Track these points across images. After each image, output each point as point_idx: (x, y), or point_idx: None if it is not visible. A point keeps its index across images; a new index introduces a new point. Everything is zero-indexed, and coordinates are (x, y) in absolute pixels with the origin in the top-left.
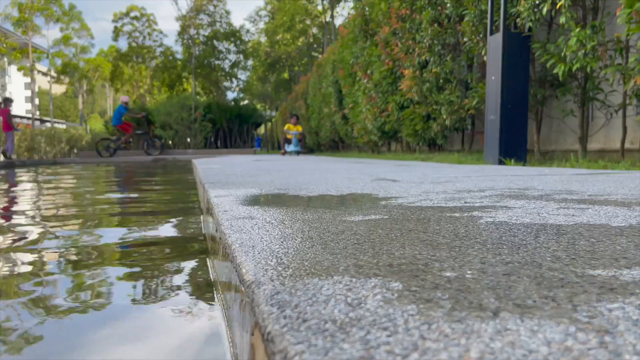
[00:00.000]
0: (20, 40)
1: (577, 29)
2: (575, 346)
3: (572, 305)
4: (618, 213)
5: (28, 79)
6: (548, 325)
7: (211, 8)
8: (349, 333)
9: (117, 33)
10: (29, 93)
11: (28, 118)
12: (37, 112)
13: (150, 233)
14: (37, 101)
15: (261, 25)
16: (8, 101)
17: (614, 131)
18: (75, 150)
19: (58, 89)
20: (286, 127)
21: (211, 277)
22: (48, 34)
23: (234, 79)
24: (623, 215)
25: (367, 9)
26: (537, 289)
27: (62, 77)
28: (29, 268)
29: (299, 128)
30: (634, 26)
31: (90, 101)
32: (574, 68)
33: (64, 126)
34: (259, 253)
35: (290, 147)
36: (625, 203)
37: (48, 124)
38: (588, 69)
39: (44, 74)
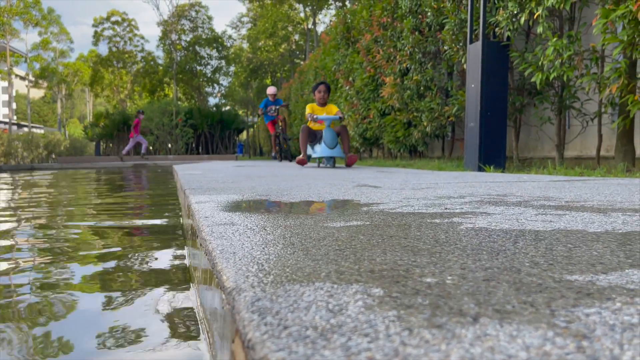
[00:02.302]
0: None
1: (554, 39)
2: (554, 351)
3: (550, 311)
4: (594, 219)
5: (5, 83)
6: (527, 330)
7: (193, 14)
8: (330, 340)
9: (97, 38)
10: (6, 97)
11: (5, 123)
12: (15, 117)
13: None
14: (14, 105)
15: (243, 31)
16: (139, 113)
17: (590, 139)
18: (54, 156)
19: (36, 94)
20: (308, 109)
21: (192, 286)
22: (26, 38)
23: (215, 85)
24: (599, 221)
25: (349, 16)
26: (516, 294)
27: (40, 81)
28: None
29: (333, 109)
30: (609, 36)
31: (70, 106)
32: (551, 77)
33: (42, 131)
34: (240, 259)
35: (319, 150)
36: (601, 209)
37: (25, 129)
38: (565, 78)
39: (22, 78)
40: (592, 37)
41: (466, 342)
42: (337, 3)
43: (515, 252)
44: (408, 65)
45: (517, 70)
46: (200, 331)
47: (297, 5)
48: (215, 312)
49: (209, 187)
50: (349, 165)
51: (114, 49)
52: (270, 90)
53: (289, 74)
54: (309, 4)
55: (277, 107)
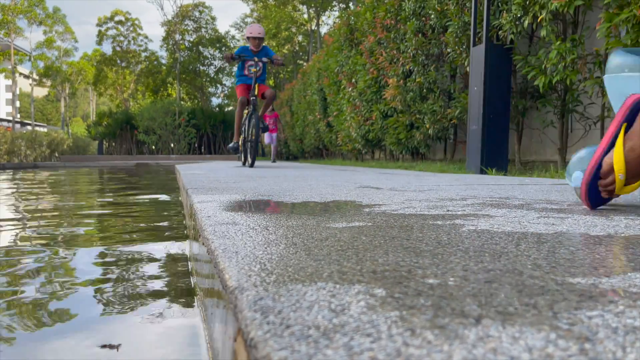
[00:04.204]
0: (2, 42)
1: (558, 42)
2: (556, 353)
3: (553, 313)
4: (597, 222)
5: (9, 81)
6: (529, 332)
7: (197, 14)
8: (333, 339)
9: (101, 37)
10: (9, 95)
11: (8, 121)
12: (18, 115)
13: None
14: (18, 104)
15: None
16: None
17: (593, 142)
18: (57, 154)
19: (40, 92)
20: None
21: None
22: (31, 37)
23: (218, 85)
24: (601, 225)
25: (352, 18)
26: (518, 296)
27: (44, 80)
28: None
29: None
30: (613, 40)
31: (73, 105)
32: (554, 80)
33: (45, 129)
34: (242, 259)
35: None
36: (604, 213)
37: (29, 127)
38: (568, 82)
39: (26, 77)
40: (595, 41)
41: (469, 343)
42: (340, 5)
43: (518, 254)
44: (411, 67)
45: (520, 74)
46: (201, 327)
47: (300, 7)
48: (217, 310)
49: (211, 186)
50: None
51: (118, 49)
52: (253, 29)
53: (291, 74)
54: (312, 5)
55: (263, 61)
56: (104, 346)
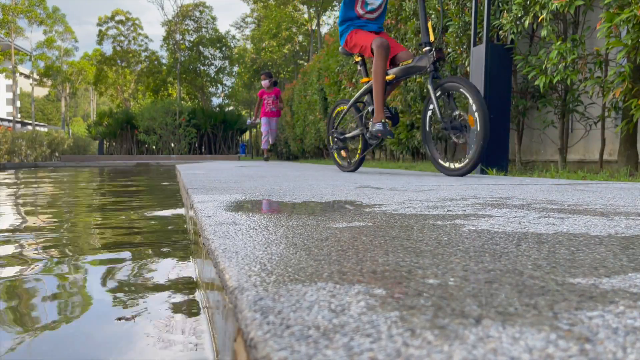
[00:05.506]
0: (2, 42)
1: (558, 42)
2: (557, 353)
3: (553, 313)
4: (597, 223)
5: (10, 81)
6: (529, 332)
7: (197, 14)
8: (333, 339)
9: (101, 37)
10: (10, 95)
11: (9, 120)
12: (19, 115)
13: None
14: (18, 103)
15: (247, 32)
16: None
17: (593, 143)
18: (57, 154)
19: (40, 92)
20: None
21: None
22: (31, 36)
23: (219, 85)
24: (602, 225)
25: None
26: (518, 296)
27: (44, 79)
28: None
29: None
30: (613, 40)
31: (73, 104)
32: (555, 80)
33: (45, 129)
34: (242, 259)
35: None
36: (604, 213)
37: (29, 127)
38: (568, 82)
39: (27, 77)
40: (596, 41)
41: (469, 343)
42: (341, 4)
43: (518, 254)
44: None
45: (521, 74)
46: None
47: (301, 7)
48: (218, 310)
49: (211, 186)
50: None
51: (118, 48)
52: None
53: (292, 74)
54: (313, 5)
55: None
56: (119, 319)
